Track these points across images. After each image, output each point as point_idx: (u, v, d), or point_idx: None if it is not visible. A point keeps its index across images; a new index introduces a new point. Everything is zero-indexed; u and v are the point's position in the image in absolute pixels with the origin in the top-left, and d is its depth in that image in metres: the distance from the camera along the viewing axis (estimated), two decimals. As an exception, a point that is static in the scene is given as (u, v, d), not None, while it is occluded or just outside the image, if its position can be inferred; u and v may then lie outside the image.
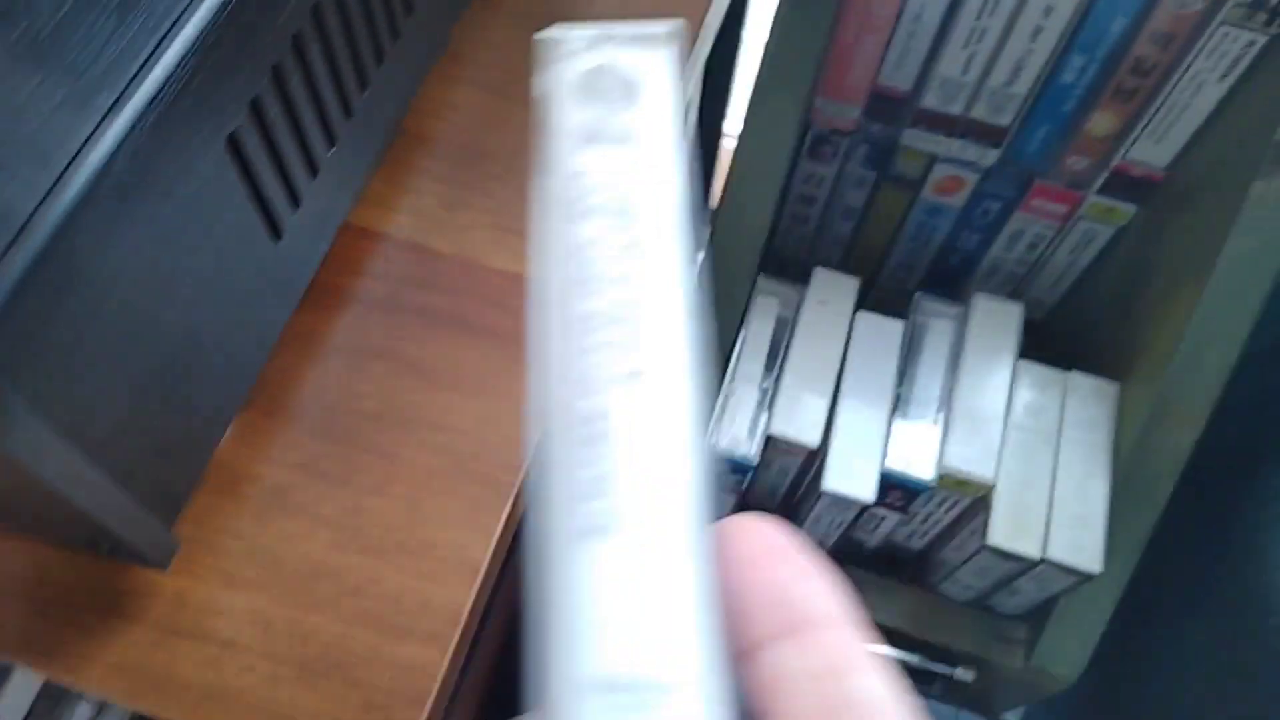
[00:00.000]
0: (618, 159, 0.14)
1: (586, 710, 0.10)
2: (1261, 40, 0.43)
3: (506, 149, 0.44)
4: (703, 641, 0.11)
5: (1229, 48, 0.44)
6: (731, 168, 0.44)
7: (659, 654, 0.10)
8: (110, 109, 0.25)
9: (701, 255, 0.53)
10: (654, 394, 0.12)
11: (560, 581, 0.11)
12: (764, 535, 0.14)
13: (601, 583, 0.11)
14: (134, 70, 0.26)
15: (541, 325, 0.13)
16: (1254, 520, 0.47)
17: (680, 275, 0.14)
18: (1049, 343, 0.61)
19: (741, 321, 0.47)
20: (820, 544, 0.47)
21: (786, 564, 0.14)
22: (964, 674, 0.45)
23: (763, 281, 0.48)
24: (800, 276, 0.51)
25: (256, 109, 0.30)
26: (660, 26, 0.15)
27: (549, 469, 0.12)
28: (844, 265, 0.64)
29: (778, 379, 0.45)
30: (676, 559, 0.11)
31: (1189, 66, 0.45)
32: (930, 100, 0.51)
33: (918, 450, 0.43)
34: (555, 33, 0.15)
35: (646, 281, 0.13)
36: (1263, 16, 0.42)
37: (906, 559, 0.52)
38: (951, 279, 0.62)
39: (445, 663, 0.30)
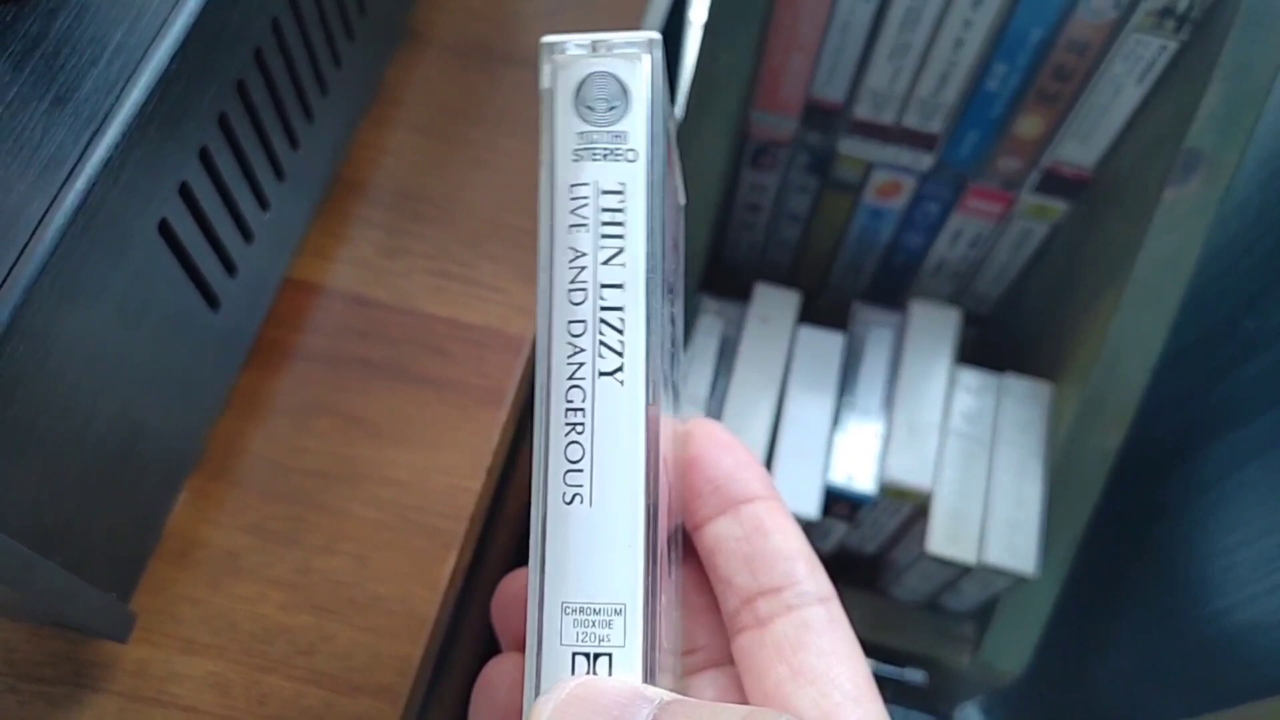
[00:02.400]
0: (611, 172, 0.16)
1: (566, 624, 0.15)
2: (1173, 46, 0.44)
3: (442, 192, 0.45)
4: (641, 579, 0.15)
5: (1143, 53, 0.45)
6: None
7: (614, 587, 0.15)
8: (42, 217, 0.26)
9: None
10: (626, 391, 0.16)
11: (550, 536, 0.15)
12: (712, 435, 0.19)
13: (577, 538, 0.15)
14: (64, 175, 0.27)
15: (542, 319, 0.16)
16: (1184, 512, 0.48)
17: (656, 285, 0.16)
18: (995, 337, 0.62)
19: (685, 342, 0.48)
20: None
21: (727, 456, 0.19)
22: (914, 674, 0.47)
23: (705, 301, 0.50)
24: (751, 284, 0.52)
25: (186, 192, 0.31)
26: (643, 35, 0.17)
27: (546, 441, 0.16)
28: (793, 269, 0.66)
29: (722, 399, 0.46)
30: (626, 522, 0.15)
31: (1107, 71, 0.46)
32: (862, 111, 0.52)
33: (859, 463, 0.44)
34: (556, 39, 0.17)
35: (628, 292, 0.16)
36: (1171, 24, 0.43)
37: (861, 562, 0.54)
38: (899, 277, 0.64)
39: (398, 715, 0.31)
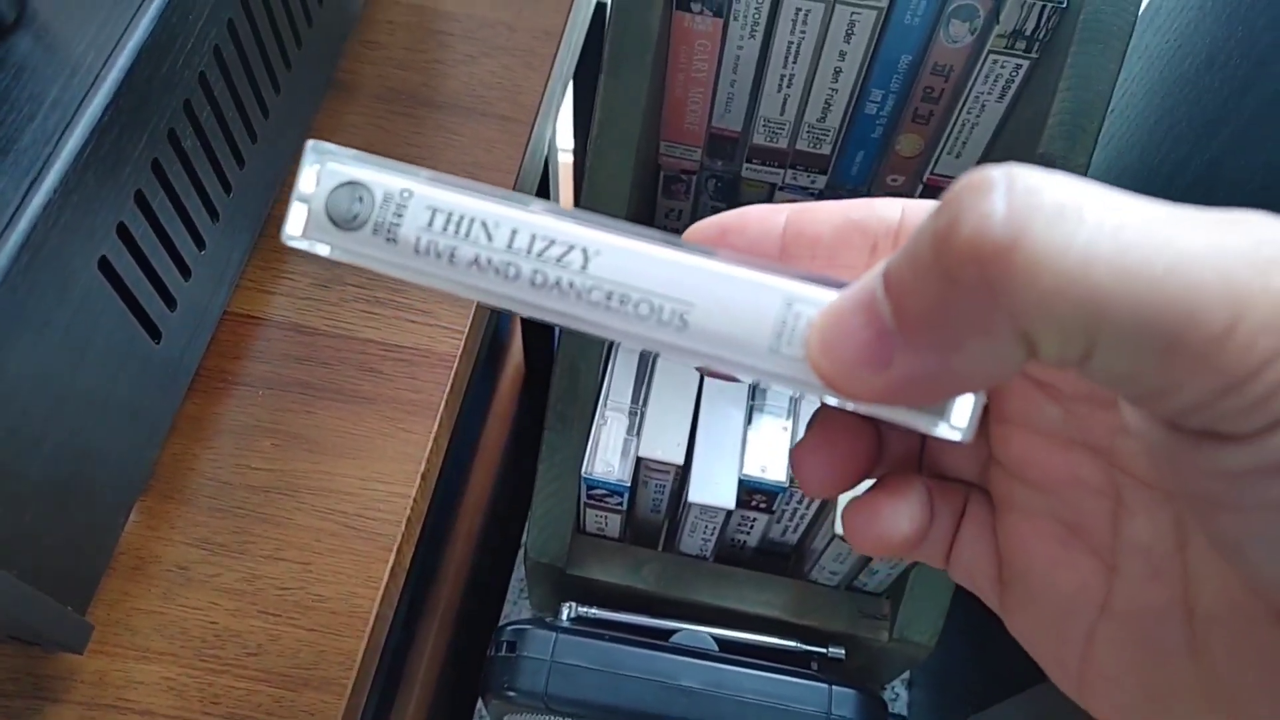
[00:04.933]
0: None
1: None
2: (1026, 64, 0.49)
3: (371, 227, 0.48)
4: None
5: (1000, 72, 0.50)
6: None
7: None
8: (-15, 259, 0.28)
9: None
10: None
11: None
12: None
13: None
14: (7, 218, 0.29)
15: None
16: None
17: None
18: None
19: (609, 354, 0.51)
20: (702, 549, 0.52)
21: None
22: (835, 651, 0.50)
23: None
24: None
25: (124, 232, 0.34)
26: None
27: None
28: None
29: (644, 404, 0.49)
30: None
31: (970, 91, 0.51)
32: (759, 138, 0.56)
33: (771, 455, 0.48)
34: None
35: None
36: (1023, 44, 0.48)
37: (786, 552, 0.57)
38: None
39: (343, 705, 0.33)
